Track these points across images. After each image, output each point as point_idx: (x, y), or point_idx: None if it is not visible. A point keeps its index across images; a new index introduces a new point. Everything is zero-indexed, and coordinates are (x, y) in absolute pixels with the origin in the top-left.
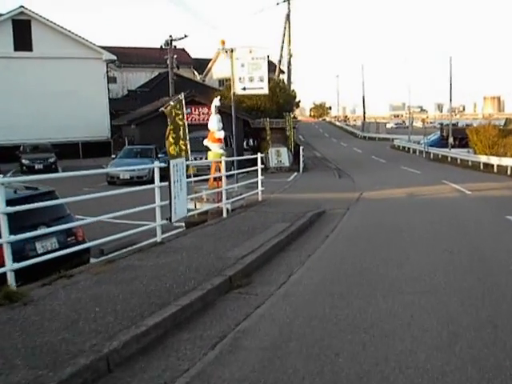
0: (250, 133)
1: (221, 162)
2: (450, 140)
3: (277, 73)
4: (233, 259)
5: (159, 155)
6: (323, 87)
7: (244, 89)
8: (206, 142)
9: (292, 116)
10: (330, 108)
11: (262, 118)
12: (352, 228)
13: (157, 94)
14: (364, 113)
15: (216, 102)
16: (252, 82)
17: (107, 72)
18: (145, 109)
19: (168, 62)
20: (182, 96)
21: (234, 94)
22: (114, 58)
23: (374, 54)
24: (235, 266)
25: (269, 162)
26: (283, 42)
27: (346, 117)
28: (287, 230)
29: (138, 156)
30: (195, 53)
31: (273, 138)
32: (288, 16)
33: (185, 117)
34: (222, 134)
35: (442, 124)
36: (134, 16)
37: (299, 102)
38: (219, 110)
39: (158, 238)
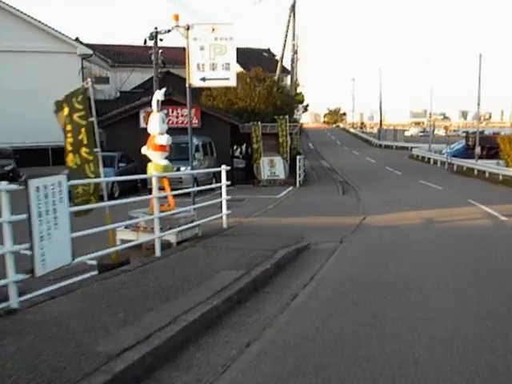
0: (242, 139)
1: (166, 178)
2: (477, 150)
3: (278, 71)
4: (102, 358)
5: (120, 164)
6: (338, 92)
7: (203, 79)
8: (144, 151)
9: (294, 120)
10: (345, 114)
11: (252, 122)
12: (336, 282)
13: (152, 95)
14: (380, 119)
15: (158, 95)
16: (215, 71)
17: (82, 68)
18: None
19: (153, 57)
20: (88, 83)
21: (189, 85)
22: (90, 52)
23: (394, 56)
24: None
25: (260, 174)
26: (286, 37)
27: (363, 123)
28: (233, 286)
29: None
30: None
31: (266, 145)
32: (293, 7)
33: (93, 113)
34: (164, 140)
35: (467, 132)
36: (129, 13)
37: (307, 105)
38: (202, 112)
39: (14, 303)
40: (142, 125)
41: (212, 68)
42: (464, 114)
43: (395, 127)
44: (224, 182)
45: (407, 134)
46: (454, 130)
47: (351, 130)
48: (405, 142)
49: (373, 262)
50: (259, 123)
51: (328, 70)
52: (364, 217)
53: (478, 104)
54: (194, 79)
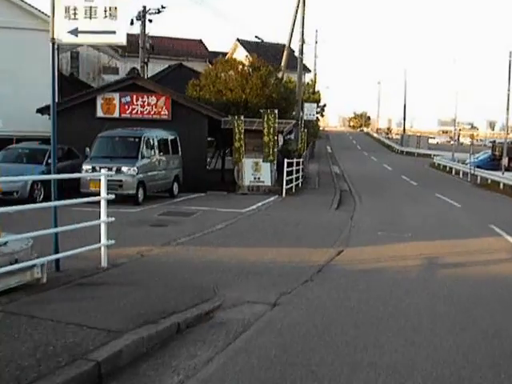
0: (223, 137)
1: None
2: (504, 161)
3: (283, 62)
4: None
5: (49, 161)
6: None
7: (75, 33)
8: None
9: (294, 118)
10: (369, 118)
11: (232, 116)
12: None
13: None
14: (404, 124)
15: None
16: (93, 20)
17: (57, 48)
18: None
19: (140, 40)
20: None
21: (53, 42)
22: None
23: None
24: None
25: (242, 179)
26: (294, 25)
27: (389, 129)
28: None
29: (24, 160)
30: (214, 46)
31: (252, 144)
32: None
33: None
34: None
35: (494, 142)
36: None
37: (324, 106)
38: (173, 102)
39: None
40: (100, 113)
41: (89, 14)
42: (491, 125)
43: (422, 134)
44: (104, 194)
45: (433, 141)
46: (481, 140)
47: (374, 134)
48: (428, 150)
49: (303, 372)
50: (242, 117)
51: (356, 73)
52: (341, 250)
53: (507, 109)
54: (61, 32)
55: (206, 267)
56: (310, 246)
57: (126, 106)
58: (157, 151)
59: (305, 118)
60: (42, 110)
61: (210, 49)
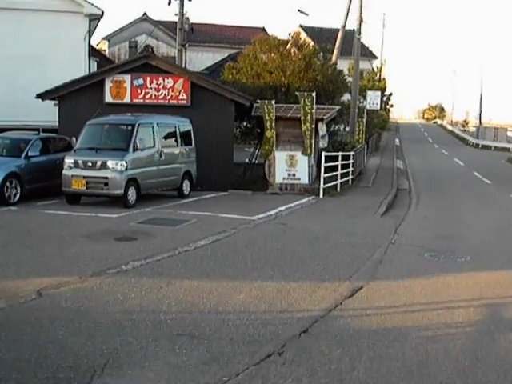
0: (257, 126)
1: None
2: None
3: (337, 42)
4: None
5: (33, 153)
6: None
7: None
8: None
9: (342, 103)
10: (443, 110)
11: (262, 101)
12: None
13: (218, 77)
14: (480, 117)
15: None
16: None
17: (89, 31)
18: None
19: (177, 21)
20: None
21: None
22: (99, 12)
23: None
24: None
25: (273, 175)
26: (350, 1)
27: (465, 121)
28: None
29: (3, 152)
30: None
31: (288, 135)
32: None
33: None
34: None
35: None
36: None
37: (390, 95)
38: (193, 84)
39: None
40: (108, 98)
41: None
42: None
43: (501, 127)
44: None
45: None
46: None
47: (448, 127)
48: (506, 143)
49: None
50: (273, 102)
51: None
52: (359, 285)
53: None
54: None
55: (119, 320)
56: (316, 277)
57: (139, 90)
58: (158, 142)
59: (368, 107)
60: (42, 96)
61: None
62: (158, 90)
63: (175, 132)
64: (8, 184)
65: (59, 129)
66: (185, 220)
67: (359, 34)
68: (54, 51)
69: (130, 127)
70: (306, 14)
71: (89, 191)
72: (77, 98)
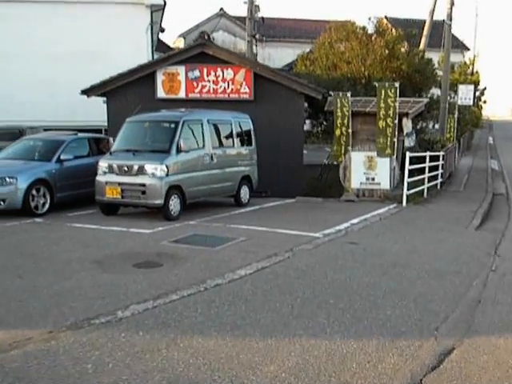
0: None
1: None
2: None
3: (425, 30)
4: None
5: (66, 157)
6: None
7: None
8: None
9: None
10: None
11: (334, 93)
12: None
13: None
14: None
15: None
16: None
17: (152, 23)
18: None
19: (247, 10)
20: None
21: None
22: (161, 2)
23: None
24: None
25: (348, 180)
26: None
27: None
28: None
29: (34, 155)
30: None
31: (366, 132)
32: None
33: None
34: None
35: None
36: None
37: (484, 89)
38: (256, 76)
39: None
40: (161, 93)
41: None
42: None
43: None
44: None
45: None
46: None
47: None
48: None
49: None
50: (348, 94)
51: None
52: (451, 346)
53: None
54: None
55: None
56: (387, 330)
57: (195, 83)
58: (208, 142)
59: (459, 102)
60: (88, 92)
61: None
62: (216, 82)
63: (231, 130)
64: (34, 192)
65: (108, 128)
66: (230, 238)
67: (450, 19)
68: (114, 46)
69: (173, 125)
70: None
71: (124, 201)
72: (126, 93)
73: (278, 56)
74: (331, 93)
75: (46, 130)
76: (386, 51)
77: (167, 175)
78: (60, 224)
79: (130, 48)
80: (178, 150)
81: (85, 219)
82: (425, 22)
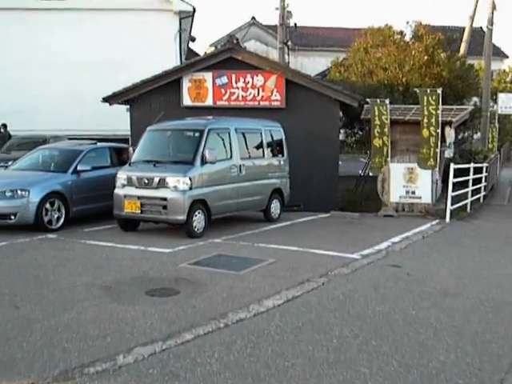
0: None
1: None
2: None
3: (466, 35)
4: None
5: (82, 167)
6: None
7: None
8: None
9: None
10: None
11: (371, 100)
12: None
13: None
14: None
15: None
16: None
17: (180, 30)
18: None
19: (278, 16)
20: None
21: None
22: (190, 8)
23: None
24: None
25: (387, 193)
26: None
27: None
28: None
29: (50, 166)
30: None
31: (406, 142)
32: None
33: None
34: None
35: None
36: None
37: None
38: (288, 82)
39: None
40: (187, 101)
41: None
42: None
43: None
44: None
45: None
46: None
47: None
48: None
49: None
50: (386, 102)
51: None
52: None
53: None
54: None
55: None
56: None
57: (223, 90)
58: (236, 152)
59: (499, 111)
60: (110, 99)
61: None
62: (245, 89)
63: (261, 140)
64: (48, 206)
65: (131, 138)
66: (258, 259)
67: (491, 24)
68: (141, 54)
69: (197, 134)
70: None
71: (144, 216)
72: (150, 101)
73: (310, 65)
74: (368, 100)
75: (70, 139)
76: (425, 57)
77: (191, 189)
78: (73, 241)
79: (157, 56)
80: (203, 162)
81: (101, 235)
82: (460, 28)
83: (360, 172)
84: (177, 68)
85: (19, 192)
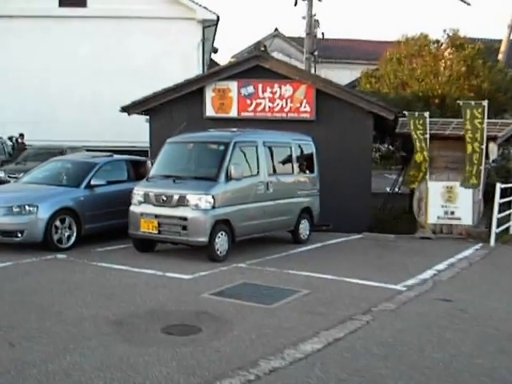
0: (401, 147)
1: None
2: None
3: (504, 45)
4: None
5: (96, 182)
6: None
7: None
8: None
9: None
10: None
11: (409, 113)
12: None
13: None
14: None
15: None
16: None
17: (203, 40)
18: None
19: (305, 25)
20: None
21: None
22: (214, 17)
23: None
24: None
25: (423, 213)
26: None
27: None
28: None
29: (62, 179)
30: None
31: (445, 159)
32: None
33: None
34: None
35: None
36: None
37: None
38: (318, 92)
39: None
40: (210, 112)
41: None
42: None
43: None
44: None
45: None
46: None
47: None
48: None
49: None
50: (426, 115)
51: None
52: None
53: None
54: None
55: None
56: None
57: (248, 101)
58: (263, 168)
59: None
60: (129, 109)
61: None
62: (272, 100)
63: (290, 154)
64: (58, 223)
65: (150, 150)
66: (290, 290)
67: None
68: (162, 63)
69: (222, 147)
70: (468, 4)
71: (162, 236)
72: (171, 111)
73: (334, 77)
74: (406, 113)
75: (88, 150)
76: (464, 67)
77: (214, 208)
78: (84, 262)
79: (179, 66)
80: (228, 178)
81: (114, 256)
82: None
83: (387, 189)
84: (200, 76)
85: (27, 208)
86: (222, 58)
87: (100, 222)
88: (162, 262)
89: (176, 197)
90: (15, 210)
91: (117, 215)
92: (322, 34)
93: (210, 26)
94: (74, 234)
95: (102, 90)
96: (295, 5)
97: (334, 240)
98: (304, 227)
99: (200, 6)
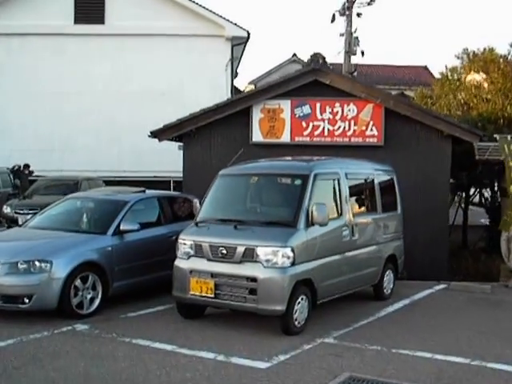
0: (482, 175)
1: None
2: None
3: None
4: None
5: (126, 227)
6: None
7: None
8: None
9: None
10: None
11: (500, 137)
12: None
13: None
14: None
15: None
16: None
17: (232, 59)
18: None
19: (344, 42)
20: None
21: None
22: (244, 34)
23: None
24: None
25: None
26: None
27: None
28: None
29: (83, 224)
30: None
31: None
32: None
33: None
34: None
35: None
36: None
37: None
38: (387, 112)
39: None
40: (257, 136)
41: None
42: None
43: None
44: None
45: None
46: None
47: None
48: None
49: None
50: None
51: None
52: None
53: None
54: None
55: None
56: None
57: (304, 123)
58: (348, 207)
59: None
60: (159, 133)
61: (437, 74)
62: (333, 122)
63: (373, 188)
64: (79, 283)
65: (184, 182)
66: None
67: None
68: (188, 84)
69: (298, 181)
70: None
71: (219, 302)
72: (210, 135)
73: None
74: (496, 136)
75: (105, 181)
76: None
77: (293, 264)
78: (112, 338)
79: (206, 87)
80: (308, 223)
81: (153, 327)
82: None
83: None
84: (246, 94)
85: (37, 264)
86: (238, 84)
87: (132, 278)
88: (218, 335)
89: (241, 249)
90: (21, 266)
91: (153, 268)
92: (362, 52)
93: (239, 44)
94: (99, 296)
95: (121, 114)
96: (332, 21)
97: (419, 294)
98: (389, 280)
99: (229, 21)
